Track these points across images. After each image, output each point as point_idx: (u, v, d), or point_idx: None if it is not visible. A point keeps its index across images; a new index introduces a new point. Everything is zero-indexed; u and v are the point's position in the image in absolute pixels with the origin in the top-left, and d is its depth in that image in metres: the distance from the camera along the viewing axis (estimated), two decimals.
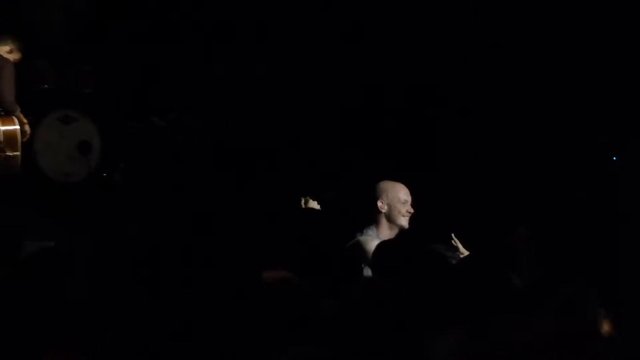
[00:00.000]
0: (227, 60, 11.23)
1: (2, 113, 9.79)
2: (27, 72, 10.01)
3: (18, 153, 9.66)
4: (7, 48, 9.67)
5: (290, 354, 3.15)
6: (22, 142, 9.73)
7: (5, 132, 9.66)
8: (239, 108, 11.00)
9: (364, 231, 6.59)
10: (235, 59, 11.28)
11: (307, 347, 3.24)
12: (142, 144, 10.16)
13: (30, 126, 9.76)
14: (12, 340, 3.26)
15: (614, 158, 10.97)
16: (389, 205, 6.68)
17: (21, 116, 9.75)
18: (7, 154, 9.65)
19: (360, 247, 6.43)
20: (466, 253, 6.65)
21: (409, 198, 6.77)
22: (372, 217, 6.66)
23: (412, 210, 6.77)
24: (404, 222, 6.68)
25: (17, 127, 9.60)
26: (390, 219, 6.71)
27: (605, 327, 4.04)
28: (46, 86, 10.11)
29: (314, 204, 6.96)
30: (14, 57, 9.73)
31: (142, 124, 10.11)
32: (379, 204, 6.66)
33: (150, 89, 10.63)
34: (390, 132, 11.14)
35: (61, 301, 3.59)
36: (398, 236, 6.77)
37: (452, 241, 6.71)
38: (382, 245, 5.10)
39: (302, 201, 7.15)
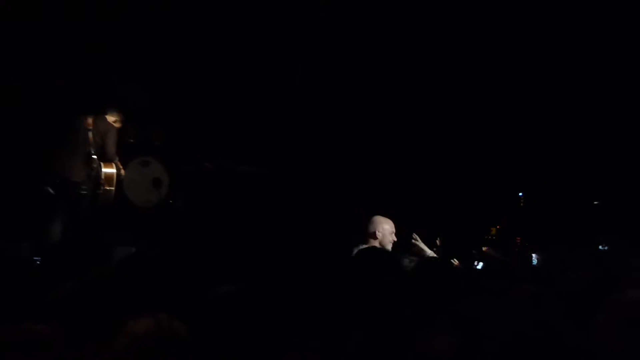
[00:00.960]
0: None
1: (106, 159, 10.62)
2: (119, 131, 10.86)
3: (113, 188, 10.56)
4: (113, 118, 10.65)
5: None
6: (117, 181, 10.68)
7: (106, 173, 10.53)
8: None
9: (360, 246, 7.56)
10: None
11: None
12: (195, 181, 11.06)
13: (125, 171, 10.80)
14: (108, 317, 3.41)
15: (520, 194, 10.97)
16: (383, 235, 7.98)
17: (119, 163, 10.73)
18: (106, 188, 10.51)
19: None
20: (429, 251, 8.19)
21: (394, 230, 8.06)
22: (368, 239, 7.89)
23: (396, 239, 8.03)
24: (389, 246, 7.94)
25: (115, 170, 10.60)
26: (381, 243, 7.90)
27: None
28: (131, 140, 11.27)
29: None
30: (117, 124, 10.70)
31: (195, 167, 11.07)
32: (377, 233, 7.98)
33: (202, 142, 11.28)
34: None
35: (144, 287, 4.30)
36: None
37: (413, 240, 8.24)
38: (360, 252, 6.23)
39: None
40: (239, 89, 11.34)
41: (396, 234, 8.03)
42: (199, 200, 11.05)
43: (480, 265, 7.90)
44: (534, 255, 8.07)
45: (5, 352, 2.75)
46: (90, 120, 10.68)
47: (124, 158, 10.95)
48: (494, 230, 10.02)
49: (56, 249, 6.23)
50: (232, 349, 3.34)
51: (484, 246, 9.48)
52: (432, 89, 11.60)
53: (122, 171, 10.83)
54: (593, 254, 7.68)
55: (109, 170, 10.69)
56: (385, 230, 8.01)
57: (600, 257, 7.47)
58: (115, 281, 4.31)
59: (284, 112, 11.43)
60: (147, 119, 11.47)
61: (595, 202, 10.53)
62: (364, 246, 7.52)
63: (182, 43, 11.44)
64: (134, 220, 10.71)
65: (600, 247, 8.34)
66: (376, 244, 7.89)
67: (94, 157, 10.57)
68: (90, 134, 10.53)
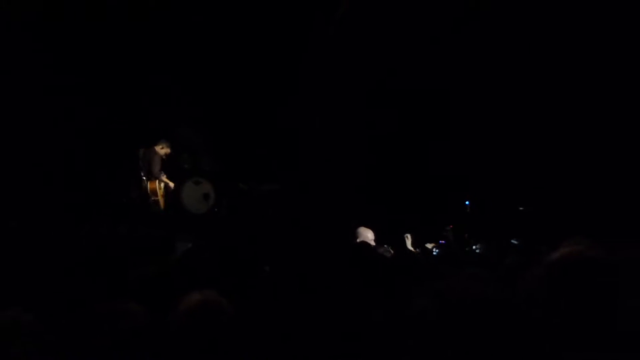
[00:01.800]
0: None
1: (152, 177, 10.74)
2: (178, 158, 11.06)
3: (159, 199, 10.62)
4: (160, 147, 10.68)
5: None
6: (163, 193, 10.77)
7: (150, 187, 10.62)
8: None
9: None
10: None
11: None
12: (233, 196, 10.93)
13: (180, 187, 10.82)
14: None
15: (467, 202, 10.64)
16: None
17: (164, 179, 10.74)
18: (153, 199, 10.63)
19: None
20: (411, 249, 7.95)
21: (374, 237, 7.75)
22: None
23: (375, 244, 7.56)
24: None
25: (157, 185, 10.59)
26: None
27: None
28: (186, 166, 11.19)
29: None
30: (164, 151, 10.72)
31: (233, 186, 10.93)
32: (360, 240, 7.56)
33: (238, 168, 11.12)
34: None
35: (198, 271, 4.23)
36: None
37: (405, 236, 8.09)
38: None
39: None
40: (264, 130, 10.96)
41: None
42: (236, 209, 10.97)
43: (436, 252, 7.72)
44: (477, 245, 8.15)
45: (99, 325, 2.60)
46: (142, 151, 10.79)
47: (182, 179, 10.99)
48: (450, 227, 9.80)
49: (138, 243, 6.28)
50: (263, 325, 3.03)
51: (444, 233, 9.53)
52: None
53: (171, 184, 10.74)
54: (514, 245, 7.60)
55: (152, 186, 10.71)
56: (367, 238, 7.77)
57: (517, 247, 7.40)
58: (179, 266, 4.27)
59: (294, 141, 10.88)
60: (199, 151, 11.28)
61: (521, 208, 10.41)
62: None
63: (226, 95, 11.13)
64: (190, 223, 10.62)
65: (512, 241, 8.24)
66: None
67: (143, 177, 10.70)
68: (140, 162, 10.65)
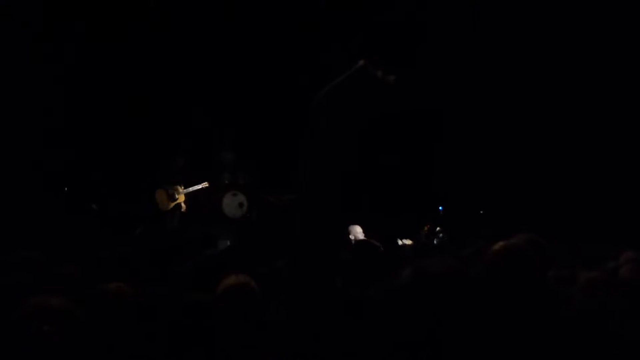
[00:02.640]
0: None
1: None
2: (220, 176, 10.92)
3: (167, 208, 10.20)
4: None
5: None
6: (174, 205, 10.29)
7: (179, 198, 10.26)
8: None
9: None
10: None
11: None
12: (263, 205, 10.74)
13: (221, 197, 10.66)
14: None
15: (440, 208, 10.34)
16: (355, 235, 7.47)
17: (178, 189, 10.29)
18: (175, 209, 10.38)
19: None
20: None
21: (362, 231, 7.51)
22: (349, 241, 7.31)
23: (364, 237, 7.33)
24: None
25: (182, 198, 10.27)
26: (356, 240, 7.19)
27: None
28: (226, 182, 10.86)
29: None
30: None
31: (262, 197, 10.74)
32: (351, 237, 7.44)
33: (266, 183, 10.82)
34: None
35: (235, 261, 4.04)
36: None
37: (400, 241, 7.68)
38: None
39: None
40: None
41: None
42: (264, 215, 10.88)
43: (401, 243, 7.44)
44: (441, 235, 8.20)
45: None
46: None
47: (223, 191, 10.81)
48: (426, 228, 9.73)
49: (188, 240, 6.18)
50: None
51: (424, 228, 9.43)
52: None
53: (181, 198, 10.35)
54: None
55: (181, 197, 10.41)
56: (356, 232, 7.54)
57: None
58: (221, 258, 4.22)
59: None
60: (236, 170, 11.17)
61: (481, 212, 10.38)
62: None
63: (258, 129, 10.94)
64: (229, 225, 10.52)
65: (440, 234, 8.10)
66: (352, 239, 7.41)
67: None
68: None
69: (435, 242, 8.65)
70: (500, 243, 2.38)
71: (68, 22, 9.51)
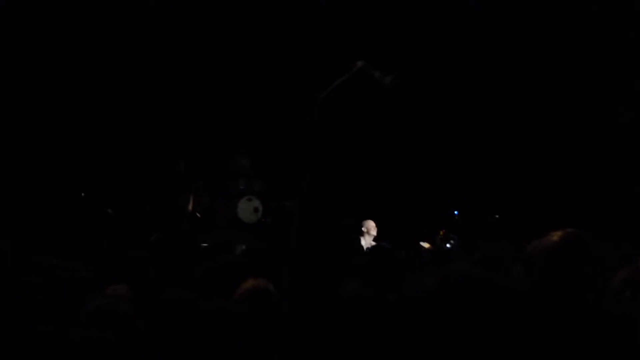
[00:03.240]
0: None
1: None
2: (236, 182, 11.05)
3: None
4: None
5: None
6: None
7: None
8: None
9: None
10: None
11: None
12: (278, 210, 10.81)
13: (236, 203, 10.78)
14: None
15: (455, 212, 10.41)
16: (367, 229, 7.80)
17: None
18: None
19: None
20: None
21: (375, 226, 7.80)
22: (362, 232, 7.69)
23: (375, 232, 7.77)
24: (374, 232, 7.76)
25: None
26: (368, 233, 7.77)
27: None
28: (242, 187, 11.02)
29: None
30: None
31: (278, 203, 10.77)
32: (363, 228, 7.79)
33: (282, 189, 10.73)
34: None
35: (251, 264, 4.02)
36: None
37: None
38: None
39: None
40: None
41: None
42: (279, 219, 10.89)
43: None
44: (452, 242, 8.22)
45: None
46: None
47: (238, 197, 10.91)
48: (441, 233, 9.69)
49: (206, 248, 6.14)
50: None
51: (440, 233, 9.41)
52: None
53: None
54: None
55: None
56: (369, 227, 7.74)
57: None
58: (238, 261, 4.11)
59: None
60: (251, 176, 11.31)
61: (496, 216, 10.34)
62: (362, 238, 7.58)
63: (272, 137, 10.97)
64: (244, 229, 10.62)
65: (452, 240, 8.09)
66: (365, 233, 7.73)
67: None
68: None
69: (448, 246, 8.63)
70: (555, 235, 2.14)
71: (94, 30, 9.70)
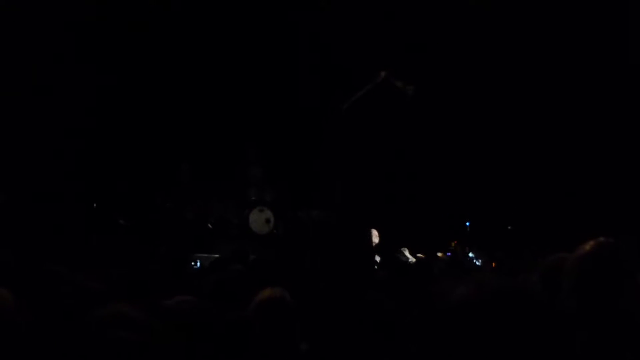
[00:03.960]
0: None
1: None
2: (247, 192, 10.97)
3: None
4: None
5: None
6: None
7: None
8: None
9: None
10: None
11: None
12: (290, 221, 10.20)
13: (248, 213, 10.66)
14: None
15: (467, 224, 10.20)
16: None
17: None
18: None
19: None
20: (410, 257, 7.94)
21: (377, 234, 7.99)
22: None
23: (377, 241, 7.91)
24: (376, 239, 7.93)
25: None
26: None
27: None
28: (253, 198, 10.89)
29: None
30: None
31: (291, 213, 10.26)
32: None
33: (295, 199, 10.59)
34: None
35: (265, 273, 4.20)
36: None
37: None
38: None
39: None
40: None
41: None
42: (292, 231, 10.41)
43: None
44: (472, 255, 8.08)
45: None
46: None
47: (250, 207, 10.87)
48: (454, 243, 9.71)
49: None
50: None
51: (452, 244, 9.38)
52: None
53: None
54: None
55: None
56: (372, 235, 7.82)
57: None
58: (252, 271, 4.27)
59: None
60: (263, 186, 11.23)
61: (509, 227, 10.28)
62: None
63: (284, 148, 11.01)
64: (257, 240, 10.52)
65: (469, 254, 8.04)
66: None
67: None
68: None
69: (471, 256, 8.67)
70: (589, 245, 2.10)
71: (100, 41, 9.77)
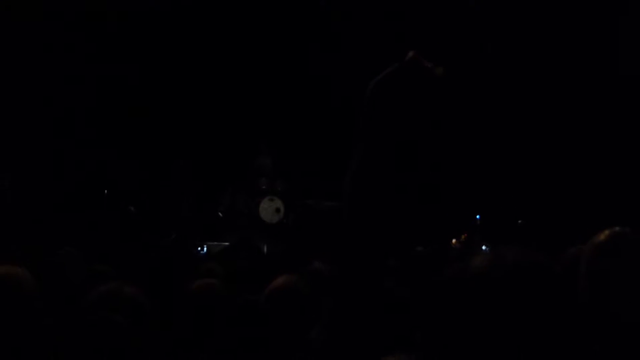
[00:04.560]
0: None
1: None
2: (258, 181, 10.98)
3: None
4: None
5: None
6: None
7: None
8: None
9: None
10: None
11: None
12: (300, 210, 10.57)
13: (258, 203, 10.66)
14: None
15: (477, 217, 10.19)
16: None
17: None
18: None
19: None
20: None
21: None
22: None
23: None
24: None
25: None
26: None
27: None
28: (264, 187, 10.91)
29: None
30: None
31: (301, 203, 10.51)
32: None
33: (305, 188, 10.59)
34: None
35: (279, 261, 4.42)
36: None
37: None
38: None
39: None
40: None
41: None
42: (302, 220, 10.78)
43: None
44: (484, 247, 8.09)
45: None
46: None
47: (260, 197, 10.88)
48: (464, 236, 9.67)
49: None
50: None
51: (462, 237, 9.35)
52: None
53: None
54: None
55: None
56: None
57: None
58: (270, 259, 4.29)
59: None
60: (273, 175, 11.24)
61: (519, 221, 10.19)
62: None
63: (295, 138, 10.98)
64: (267, 230, 10.60)
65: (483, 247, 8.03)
66: None
67: None
68: None
69: (484, 248, 8.53)
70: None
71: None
